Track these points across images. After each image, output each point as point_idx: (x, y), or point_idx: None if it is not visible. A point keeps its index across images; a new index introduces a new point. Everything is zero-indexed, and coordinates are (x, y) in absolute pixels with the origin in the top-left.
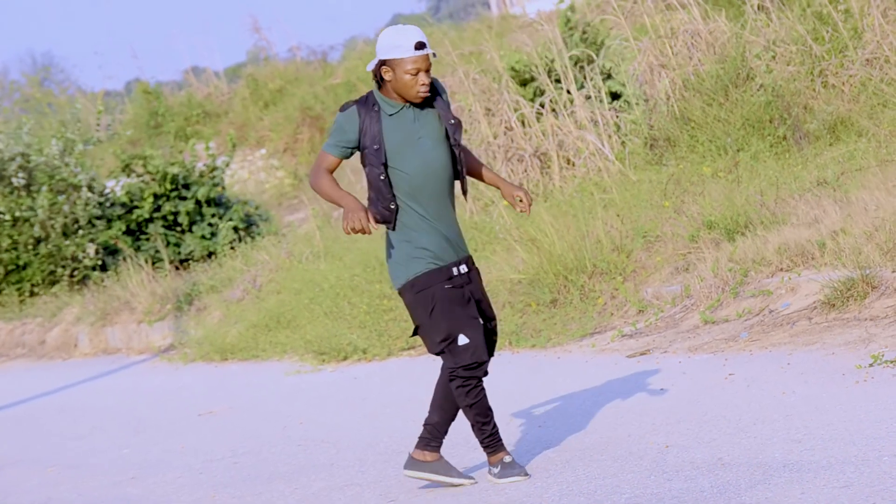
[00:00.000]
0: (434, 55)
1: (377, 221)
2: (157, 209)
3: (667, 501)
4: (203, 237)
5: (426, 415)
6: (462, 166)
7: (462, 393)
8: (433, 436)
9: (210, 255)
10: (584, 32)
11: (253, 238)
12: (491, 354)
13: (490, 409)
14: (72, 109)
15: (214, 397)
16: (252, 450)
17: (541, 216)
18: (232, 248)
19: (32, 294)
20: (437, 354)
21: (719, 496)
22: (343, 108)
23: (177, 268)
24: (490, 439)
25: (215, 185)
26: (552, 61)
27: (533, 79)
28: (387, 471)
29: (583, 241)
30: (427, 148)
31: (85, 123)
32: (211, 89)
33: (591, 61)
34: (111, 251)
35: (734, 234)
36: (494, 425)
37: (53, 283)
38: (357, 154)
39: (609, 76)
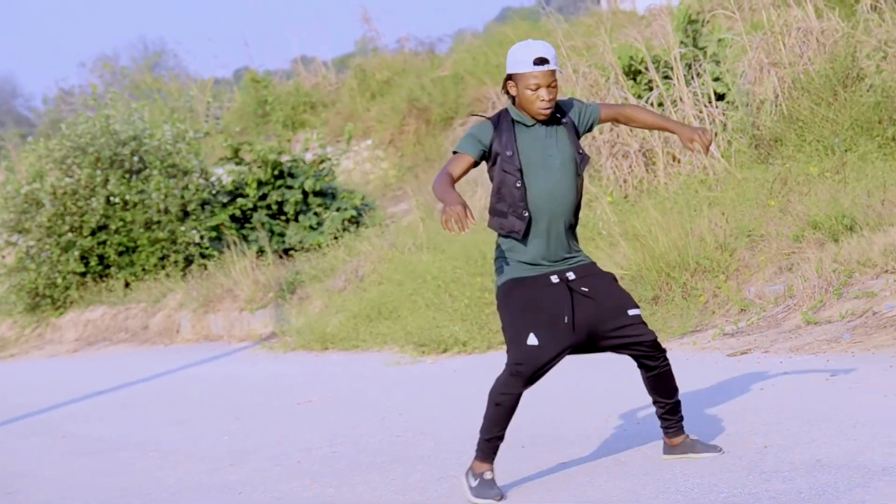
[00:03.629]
0: (559, 72)
1: (506, 233)
2: (263, 198)
3: (764, 502)
4: (311, 227)
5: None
6: (580, 196)
7: (497, 387)
8: (669, 422)
9: (316, 245)
10: (695, 30)
11: (357, 228)
12: (648, 349)
13: (505, 422)
14: (185, 98)
15: (314, 386)
16: (350, 440)
17: (646, 212)
18: (335, 238)
19: (142, 278)
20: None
21: (817, 498)
22: (478, 121)
23: (280, 257)
24: (483, 443)
25: (324, 176)
26: (663, 58)
27: (640, 73)
28: None
29: (686, 238)
30: (556, 167)
31: (195, 112)
32: (319, 79)
33: (698, 59)
34: (216, 238)
35: (839, 235)
36: (499, 436)
37: (163, 268)
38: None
39: (717, 78)
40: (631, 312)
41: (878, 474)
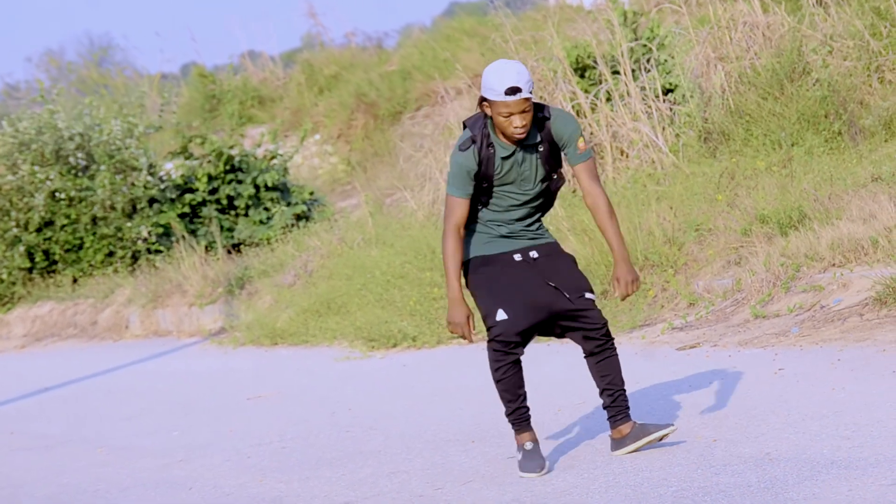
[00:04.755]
0: (534, 99)
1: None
2: (213, 192)
3: (713, 495)
4: (261, 222)
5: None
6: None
7: (491, 367)
8: (616, 410)
9: (265, 240)
10: (642, 27)
11: (307, 223)
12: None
13: (515, 392)
14: (137, 93)
15: (263, 382)
16: (300, 435)
17: None
18: (284, 233)
19: (90, 274)
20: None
21: (766, 491)
22: (462, 148)
23: (229, 252)
24: (510, 419)
25: (274, 171)
26: (612, 52)
27: (588, 68)
28: (434, 459)
29: (635, 232)
30: (527, 188)
31: (145, 107)
32: (266, 74)
33: (648, 52)
34: (164, 233)
35: (787, 229)
36: (519, 406)
37: (110, 264)
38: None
39: (667, 72)
40: (587, 296)
41: (826, 467)
